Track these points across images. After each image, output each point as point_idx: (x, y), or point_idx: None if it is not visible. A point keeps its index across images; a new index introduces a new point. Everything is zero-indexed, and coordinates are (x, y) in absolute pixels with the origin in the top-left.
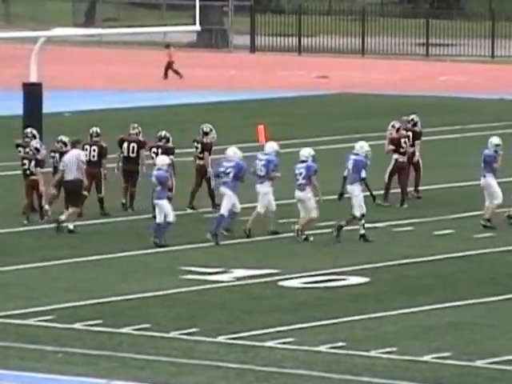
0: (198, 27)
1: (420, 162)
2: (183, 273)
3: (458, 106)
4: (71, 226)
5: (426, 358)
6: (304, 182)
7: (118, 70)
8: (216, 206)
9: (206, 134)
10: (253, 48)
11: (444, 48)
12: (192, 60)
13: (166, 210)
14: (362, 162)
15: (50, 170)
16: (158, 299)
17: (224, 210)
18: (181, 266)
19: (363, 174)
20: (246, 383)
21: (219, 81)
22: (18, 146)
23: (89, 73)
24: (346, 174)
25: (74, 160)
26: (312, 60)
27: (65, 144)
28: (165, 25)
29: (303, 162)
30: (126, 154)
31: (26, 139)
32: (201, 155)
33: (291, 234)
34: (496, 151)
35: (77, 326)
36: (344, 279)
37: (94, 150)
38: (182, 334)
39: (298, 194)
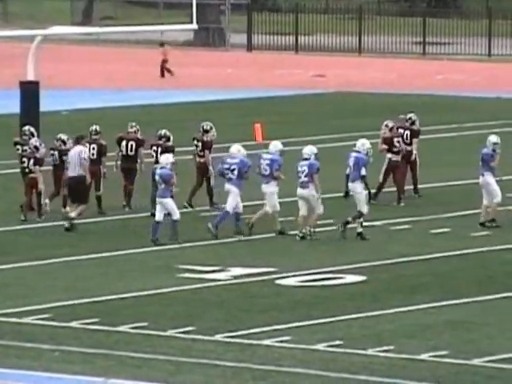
0: (195, 26)
1: (417, 160)
2: (180, 271)
3: (455, 104)
4: (68, 225)
5: (424, 356)
6: (306, 179)
7: (116, 68)
8: (213, 204)
9: (206, 131)
10: (250, 46)
11: (441, 46)
12: (189, 58)
13: (170, 209)
14: (362, 159)
15: (50, 168)
16: (155, 298)
17: (229, 207)
18: (178, 264)
19: (363, 172)
20: (243, 381)
21: (216, 79)
22: (16, 143)
23: (86, 71)
24: (348, 171)
25: (76, 157)
26: (309, 58)
27: (64, 142)
28: (162, 23)
29: (306, 159)
30: (124, 152)
31: (24, 137)
32: (201, 153)
33: (291, 233)
34: (494, 150)
35: (74, 324)
36: (341, 278)
37: (94, 148)
38: (179, 333)
39: (300, 191)
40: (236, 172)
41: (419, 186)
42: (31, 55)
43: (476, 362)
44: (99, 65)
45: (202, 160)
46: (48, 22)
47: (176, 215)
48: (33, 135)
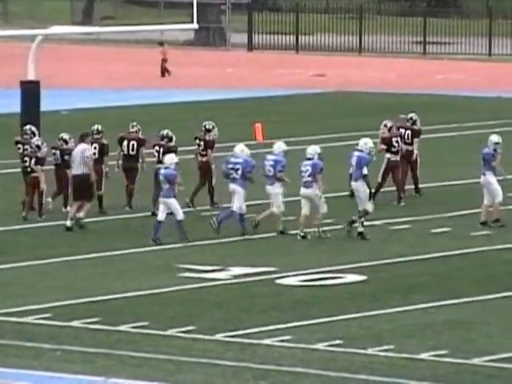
0: (195, 25)
1: (418, 160)
2: (180, 271)
3: (455, 104)
4: (69, 224)
5: (423, 355)
6: (310, 179)
7: (116, 68)
8: (214, 204)
9: (208, 131)
10: (250, 46)
11: (441, 46)
12: (189, 58)
13: (174, 209)
14: (365, 158)
15: (51, 167)
16: (156, 297)
17: (235, 207)
18: (178, 263)
19: (365, 171)
20: (244, 381)
21: (216, 79)
22: (17, 142)
23: (86, 71)
24: (351, 171)
25: (80, 155)
26: (309, 58)
27: (65, 141)
28: (162, 23)
29: (309, 159)
30: (125, 151)
31: (26, 136)
32: (203, 152)
33: (291, 233)
34: (495, 149)
35: (74, 324)
36: (341, 277)
37: (96, 148)
38: (180, 332)
39: (304, 191)
40: (240, 172)
41: (420, 186)
42: (32, 55)
43: (476, 361)
44: (99, 64)
45: (203, 159)
46: (48, 22)
47: (180, 215)
48: (34, 134)
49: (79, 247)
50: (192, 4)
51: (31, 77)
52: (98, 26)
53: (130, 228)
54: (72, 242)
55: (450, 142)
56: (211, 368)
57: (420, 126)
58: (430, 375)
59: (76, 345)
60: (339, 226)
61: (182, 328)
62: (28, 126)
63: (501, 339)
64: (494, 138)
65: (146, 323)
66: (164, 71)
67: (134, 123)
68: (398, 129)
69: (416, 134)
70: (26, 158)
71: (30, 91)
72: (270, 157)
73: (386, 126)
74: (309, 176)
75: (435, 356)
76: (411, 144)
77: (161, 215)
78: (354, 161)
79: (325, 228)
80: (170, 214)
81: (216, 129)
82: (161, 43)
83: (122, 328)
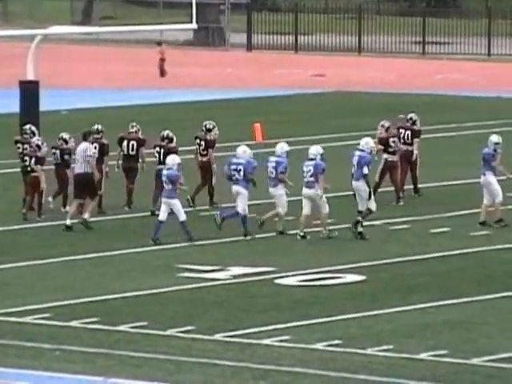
0: (194, 25)
1: (418, 160)
2: (180, 271)
3: (455, 104)
4: (68, 222)
5: (423, 355)
6: (312, 179)
7: (116, 68)
8: (213, 203)
9: (208, 130)
10: (249, 46)
11: (440, 46)
12: (189, 58)
13: (177, 210)
14: (365, 158)
15: (52, 167)
16: (155, 297)
17: (240, 209)
18: (177, 263)
19: (365, 171)
20: (243, 381)
21: (216, 79)
22: (16, 142)
23: (86, 71)
24: (353, 171)
25: (82, 154)
26: (309, 58)
27: (65, 141)
28: (161, 23)
29: (311, 159)
30: (125, 151)
31: (25, 136)
32: (203, 152)
33: (290, 233)
34: (495, 149)
35: (74, 324)
36: (340, 277)
37: (96, 148)
38: (179, 332)
39: (306, 191)
40: (242, 173)
41: (419, 186)
42: (31, 55)
43: (475, 361)
44: (99, 64)
45: (204, 159)
46: (48, 22)
47: (182, 216)
48: (34, 134)
49: (79, 247)
50: (191, 4)
51: (30, 77)
52: (97, 25)
53: (129, 228)
54: (71, 242)
55: (449, 142)
56: (211, 368)
57: (420, 126)
58: (430, 375)
59: (76, 345)
60: (338, 226)
61: (182, 328)
62: (28, 126)
63: (500, 339)
64: (494, 138)
65: (145, 323)
66: (163, 71)
67: (134, 123)
68: (399, 129)
69: (416, 134)
70: (26, 158)
71: (29, 91)
72: (272, 158)
73: (383, 126)
74: (311, 176)
75: (434, 356)
76: (411, 144)
77: (162, 215)
78: (355, 160)
79: (316, 229)
80: (172, 213)
81: (216, 128)
82: (159, 43)
83: (122, 328)
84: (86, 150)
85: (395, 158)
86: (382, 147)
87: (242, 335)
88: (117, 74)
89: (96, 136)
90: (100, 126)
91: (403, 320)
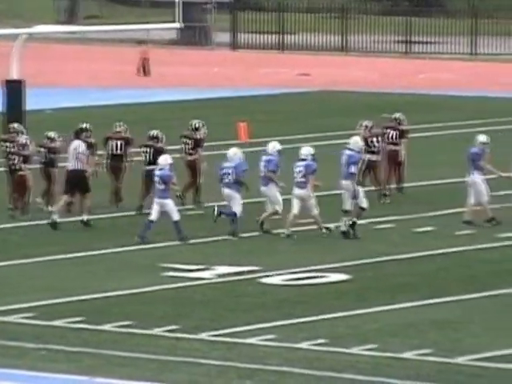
0: (179, 24)
1: (405, 160)
2: (165, 270)
3: (439, 103)
4: (55, 218)
5: (408, 354)
6: (303, 180)
7: (101, 67)
8: (199, 202)
9: (196, 129)
10: (234, 45)
11: (425, 46)
12: (174, 57)
13: (170, 209)
14: (353, 156)
15: (38, 166)
16: (140, 296)
17: (237, 211)
18: (163, 263)
19: (352, 169)
20: (229, 380)
21: (202, 78)
22: (1, 140)
23: (71, 70)
24: (342, 169)
25: (73, 151)
26: (294, 57)
27: (52, 140)
28: (147, 22)
29: (303, 160)
30: (112, 151)
31: (12, 134)
32: (191, 151)
33: (275, 232)
34: (482, 149)
35: (59, 323)
36: (325, 276)
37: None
38: (165, 332)
39: (297, 191)
40: (232, 176)
41: (404, 185)
42: (15, 54)
43: (460, 360)
44: (84, 63)
45: (191, 158)
46: (33, 21)
47: (176, 216)
48: (22, 133)
49: (64, 246)
50: (176, 3)
51: (15, 76)
52: (82, 25)
53: (115, 227)
54: (57, 241)
55: (434, 141)
56: (196, 367)
57: (406, 125)
58: (414, 374)
59: (61, 344)
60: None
61: (167, 327)
62: (16, 124)
63: (485, 338)
64: (481, 138)
65: (130, 322)
66: (146, 70)
67: (120, 123)
68: (385, 129)
69: (402, 134)
70: (14, 156)
71: (14, 90)
72: (264, 157)
73: (366, 126)
74: (302, 177)
75: (419, 355)
76: (398, 144)
77: (154, 215)
78: (343, 159)
79: (307, 228)
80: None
81: (205, 127)
82: (140, 42)
83: (107, 327)
84: (77, 148)
85: (377, 157)
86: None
87: (227, 334)
88: (102, 73)
89: (85, 134)
90: (87, 125)
91: (388, 319)
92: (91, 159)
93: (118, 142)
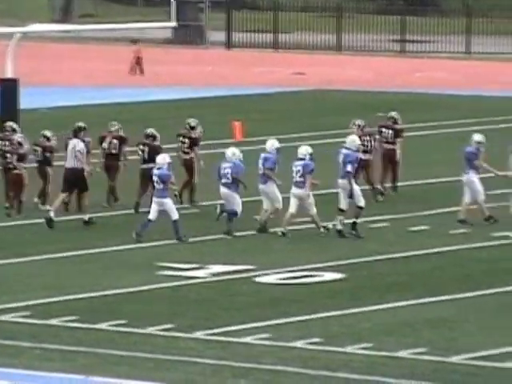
0: (174, 23)
1: (400, 159)
2: (160, 269)
3: (434, 102)
4: (52, 215)
5: (402, 353)
6: (301, 179)
7: (96, 66)
8: (193, 202)
9: (192, 128)
10: (229, 44)
11: (420, 45)
12: (169, 56)
13: (169, 209)
14: (349, 155)
15: (34, 165)
16: (135, 295)
17: (238, 210)
18: (157, 262)
19: (348, 168)
20: (224, 379)
21: (196, 77)
22: None
23: (66, 69)
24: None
25: (71, 149)
26: (288, 56)
27: (48, 138)
28: (141, 21)
29: (301, 159)
30: (107, 150)
31: (6, 133)
32: (187, 150)
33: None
34: (478, 148)
35: (54, 322)
36: (320, 275)
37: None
38: (159, 330)
39: (296, 191)
40: (230, 176)
41: (399, 184)
42: (10, 52)
43: (454, 359)
44: (79, 62)
45: (187, 157)
46: (29, 20)
47: (175, 215)
48: (15, 131)
49: (59, 245)
50: (171, 2)
51: (10, 74)
52: (77, 23)
53: (109, 226)
54: (52, 240)
55: (429, 140)
56: (191, 366)
57: (401, 124)
58: (409, 373)
59: (55, 343)
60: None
61: (162, 326)
62: (10, 123)
63: (479, 337)
64: (477, 137)
65: (125, 321)
66: (138, 69)
67: (114, 122)
68: (382, 128)
69: (398, 133)
70: (8, 155)
71: (9, 89)
72: (262, 155)
73: (359, 126)
74: (300, 176)
75: (414, 354)
76: (393, 143)
77: (153, 215)
78: (340, 158)
79: (302, 227)
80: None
81: (200, 126)
82: (134, 41)
83: (102, 326)
84: (75, 146)
85: (369, 156)
86: None
87: (221, 333)
88: (97, 71)
89: (83, 133)
90: (82, 124)
91: (383, 318)
92: (88, 158)
93: (113, 141)
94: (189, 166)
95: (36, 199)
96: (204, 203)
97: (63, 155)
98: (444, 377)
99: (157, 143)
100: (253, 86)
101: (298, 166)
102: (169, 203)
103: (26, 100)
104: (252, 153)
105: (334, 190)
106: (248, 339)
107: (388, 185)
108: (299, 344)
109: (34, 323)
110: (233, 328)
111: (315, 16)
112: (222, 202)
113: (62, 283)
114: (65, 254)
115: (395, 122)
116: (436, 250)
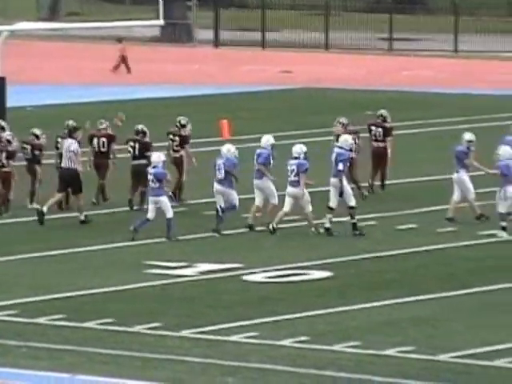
0: (161, 22)
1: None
2: (147, 267)
3: (422, 100)
4: (45, 209)
5: (390, 352)
6: (296, 178)
7: (83, 64)
8: (181, 200)
9: (183, 126)
10: (217, 42)
11: (407, 43)
12: (156, 54)
13: (165, 207)
14: (342, 154)
15: (23, 163)
16: (122, 294)
17: (236, 203)
18: (144, 260)
19: (340, 167)
20: (211, 377)
21: (184, 75)
22: None
23: (53, 67)
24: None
25: (66, 150)
26: (276, 54)
27: (37, 136)
28: (129, 19)
29: (295, 158)
30: (96, 148)
31: None
32: (177, 148)
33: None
34: (468, 147)
35: (40, 320)
36: (307, 273)
37: None
38: (146, 329)
39: (291, 190)
40: (223, 171)
41: (387, 182)
42: None
43: (442, 357)
44: (66, 61)
45: (177, 155)
46: (17, 18)
47: (169, 213)
48: (3, 129)
49: (46, 243)
50: (158, 0)
51: None
52: (64, 22)
53: (101, 224)
54: (40, 238)
55: (417, 138)
56: (179, 364)
57: (391, 122)
58: (397, 371)
59: (42, 341)
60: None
61: (149, 325)
62: None
63: (466, 336)
64: (467, 136)
65: (112, 320)
66: (129, 67)
67: (102, 120)
68: (371, 126)
69: (387, 132)
70: None
71: None
72: (257, 151)
73: (343, 124)
74: (295, 175)
75: (401, 352)
76: (382, 141)
77: (151, 214)
78: (333, 157)
79: (290, 224)
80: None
81: (190, 124)
82: (119, 40)
83: (89, 325)
84: (69, 146)
85: (353, 154)
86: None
87: (209, 332)
88: (84, 70)
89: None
90: (73, 122)
91: (370, 316)
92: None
93: (102, 140)
94: (179, 164)
95: (30, 205)
96: (192, 201)
97: (53, 153)
98: (431, 375)
99: (147, 139)
100: (241, 84)
101: (292, 165)
102: (164, 201)
103: (13, 98)
104: (240, 151)
105: (323, 189)
106: (236, 337)
107: (377, 183)
108: (287, 342)
109: (21, 321)
110: (221, 326)
111: (303, 14)
112: (214, 199)
113: (49, 282)
114: (54, 253)
115: (384, 120)
116: (424, 248)
